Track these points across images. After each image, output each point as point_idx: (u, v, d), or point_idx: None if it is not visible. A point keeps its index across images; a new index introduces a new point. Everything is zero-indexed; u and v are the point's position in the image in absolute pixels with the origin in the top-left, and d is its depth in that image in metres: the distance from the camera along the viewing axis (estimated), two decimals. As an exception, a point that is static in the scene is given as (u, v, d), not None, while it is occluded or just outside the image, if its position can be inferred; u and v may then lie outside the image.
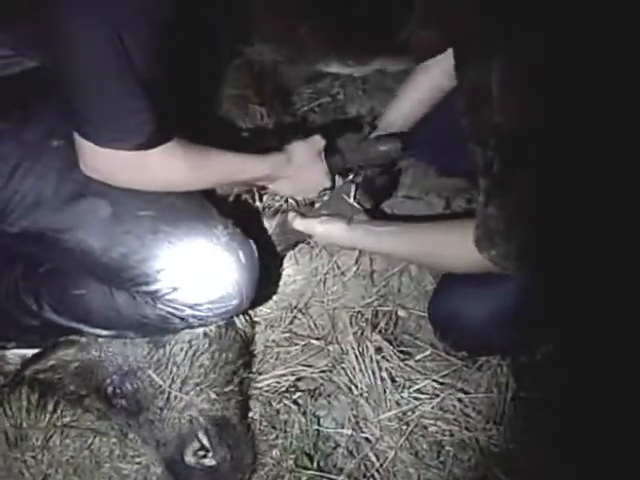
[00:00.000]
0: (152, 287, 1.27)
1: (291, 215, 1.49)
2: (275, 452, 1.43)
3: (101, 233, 1.25)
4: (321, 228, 1.47)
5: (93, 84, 1.11)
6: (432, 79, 1.54)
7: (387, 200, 1.65)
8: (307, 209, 1.55)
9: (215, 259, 1.27)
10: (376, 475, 1.39)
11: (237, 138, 1.54)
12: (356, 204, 1.51)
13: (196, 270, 1.27)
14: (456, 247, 1.31)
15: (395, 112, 1.62)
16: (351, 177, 1.55)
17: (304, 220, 1.49)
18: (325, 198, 1.55)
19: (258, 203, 1.53)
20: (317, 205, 1.56)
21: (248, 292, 1.33)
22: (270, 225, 1.50)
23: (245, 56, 1.77)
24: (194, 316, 1.32)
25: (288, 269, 1.63)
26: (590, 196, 1.17)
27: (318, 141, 1.49)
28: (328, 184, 1.53)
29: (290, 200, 1.56)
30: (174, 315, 1.31)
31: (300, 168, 1.46)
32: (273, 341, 1.55)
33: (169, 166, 1.22)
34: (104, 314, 1.34)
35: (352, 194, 1.51)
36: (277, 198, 1.55)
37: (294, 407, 1.47)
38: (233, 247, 1.30)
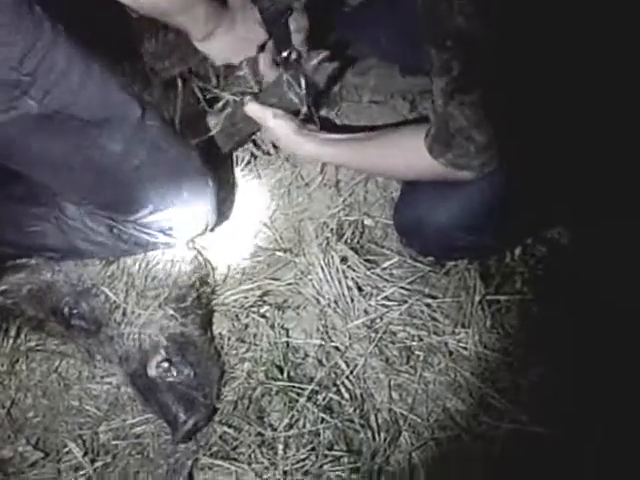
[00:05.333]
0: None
1: (247, 99, 1.41)
2: (246, 365, 1.43)
3: None
4: (272, 123, 1.40)
5: None
6: None
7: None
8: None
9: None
10: (346, 382, 1.40)
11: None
12: (297, 97, 1.42)
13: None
14: (406, 155, 1.27)
15: None
16: (293, 71, 1.43)
17: (259, 107, 1.41)
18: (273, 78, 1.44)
19: (203, 104, 1.44)
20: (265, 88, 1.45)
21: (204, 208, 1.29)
22: (218, 121, 1.42)
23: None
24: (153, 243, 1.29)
25: (250, 182, 1.60)
26: (553, 90, 1.13)
27: None
28: (263, 36, 1.41)
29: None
30: (136, 244, 1.29)
31: (232, 23, 1.35)
32: (238, 255, 1.53)
33: None
34: (59, 247, 1.30)
35: (295, 86, 1.41)
36: (223, 94, 1.45)
37: (262, 320, 1.45)
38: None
